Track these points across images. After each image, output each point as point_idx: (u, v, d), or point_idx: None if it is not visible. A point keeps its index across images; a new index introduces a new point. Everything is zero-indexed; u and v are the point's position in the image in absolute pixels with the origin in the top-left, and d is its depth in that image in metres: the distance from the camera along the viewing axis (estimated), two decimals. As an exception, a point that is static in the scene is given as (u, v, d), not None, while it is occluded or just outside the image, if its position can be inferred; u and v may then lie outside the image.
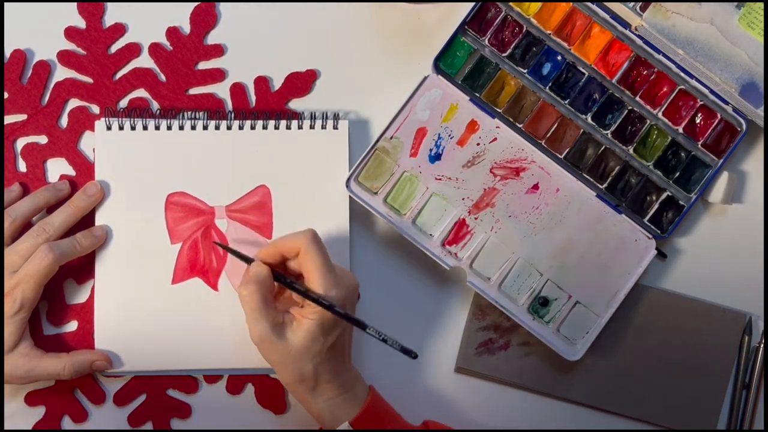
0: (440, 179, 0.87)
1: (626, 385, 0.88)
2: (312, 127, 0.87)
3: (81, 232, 0.83)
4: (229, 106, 0.88)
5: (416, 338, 0.88)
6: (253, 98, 0.88)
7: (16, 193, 0.85)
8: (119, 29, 0.88)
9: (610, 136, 0.89)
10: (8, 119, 0.86)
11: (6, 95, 0.86)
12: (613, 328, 0.88)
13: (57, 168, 0.87)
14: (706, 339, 0.89)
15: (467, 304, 0.88)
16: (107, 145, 0.86)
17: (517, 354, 0.88)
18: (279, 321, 0.77)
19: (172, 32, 0.88)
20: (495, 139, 0.88)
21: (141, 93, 0.87)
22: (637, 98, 0.89)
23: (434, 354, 0.88)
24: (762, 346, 0.89)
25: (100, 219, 0.85)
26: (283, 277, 0.79)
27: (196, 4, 0.88)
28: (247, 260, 0.81)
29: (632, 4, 0.87)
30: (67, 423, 0.86)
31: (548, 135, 0.88)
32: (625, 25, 0.88)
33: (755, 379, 0.89)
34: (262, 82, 0.88)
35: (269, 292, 0.79)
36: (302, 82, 0.89)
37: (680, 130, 0.89)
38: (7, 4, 0.87)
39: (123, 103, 0.87)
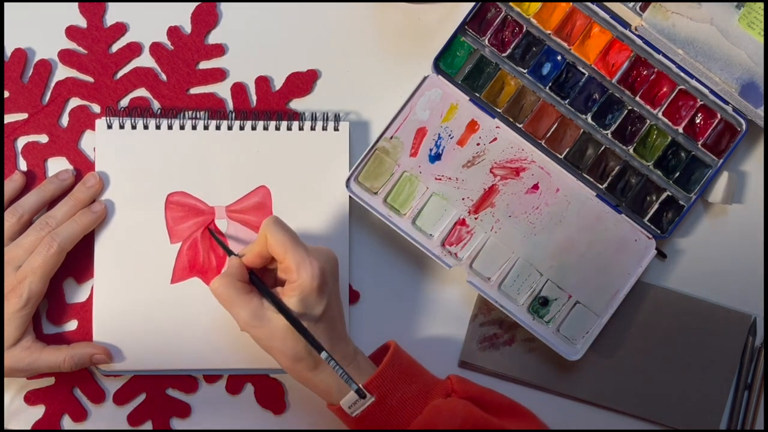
0: (440, 179, 0.87)
1: (630, 383, 0.88)
2: (313, 128, 0.87)
3: (80, 211, 0.83)
4: (230, 105, 0.88)
5: (417, 336, 0.88)
6: (253, 98, 0.88)
7: (19, 182, 0.85)
8: (120, 28, 0.88)
9: (610, 136, 0.89)
10: (9, 118, 0.86)
11: (7, 94, 0.86)
12: (617, 326, 0.88)
13: (58, 167, 0.87)
14: (711, 339, 0.89)
15: (468, 303, 0.88)
16: (108, 144, 0.86)
17: (521, 350, 0.88)
18: (258, 304, 0.76)
19: (173, 32, 0.88)
20: (495, 139, 0.88)
21: (142, 92, 0.88)
22: (637, 98, 0.89)
23: (436, 351, 0.88)
24: (763, 347, 0.89)
25: (100, 217, 0.85)
26: (258, 282, 0.78)
27: (197, 3, 0.88)
28: (229, 253, 0.80)
29: (632, 4, 0.87)
30: (66, 422, 0.86)
31: (548, 135, 0.88)
32: (625, 25, 0.88)
33: (757, 380, 0.89)
34: (262, 82, 0.88)
35: (241, 280, 0.77)
36: (303, 82, 0.89)
37: (680, 130, 0.89)
38: (7, 4, 0.87)
39: (124, 102, 0.87)
